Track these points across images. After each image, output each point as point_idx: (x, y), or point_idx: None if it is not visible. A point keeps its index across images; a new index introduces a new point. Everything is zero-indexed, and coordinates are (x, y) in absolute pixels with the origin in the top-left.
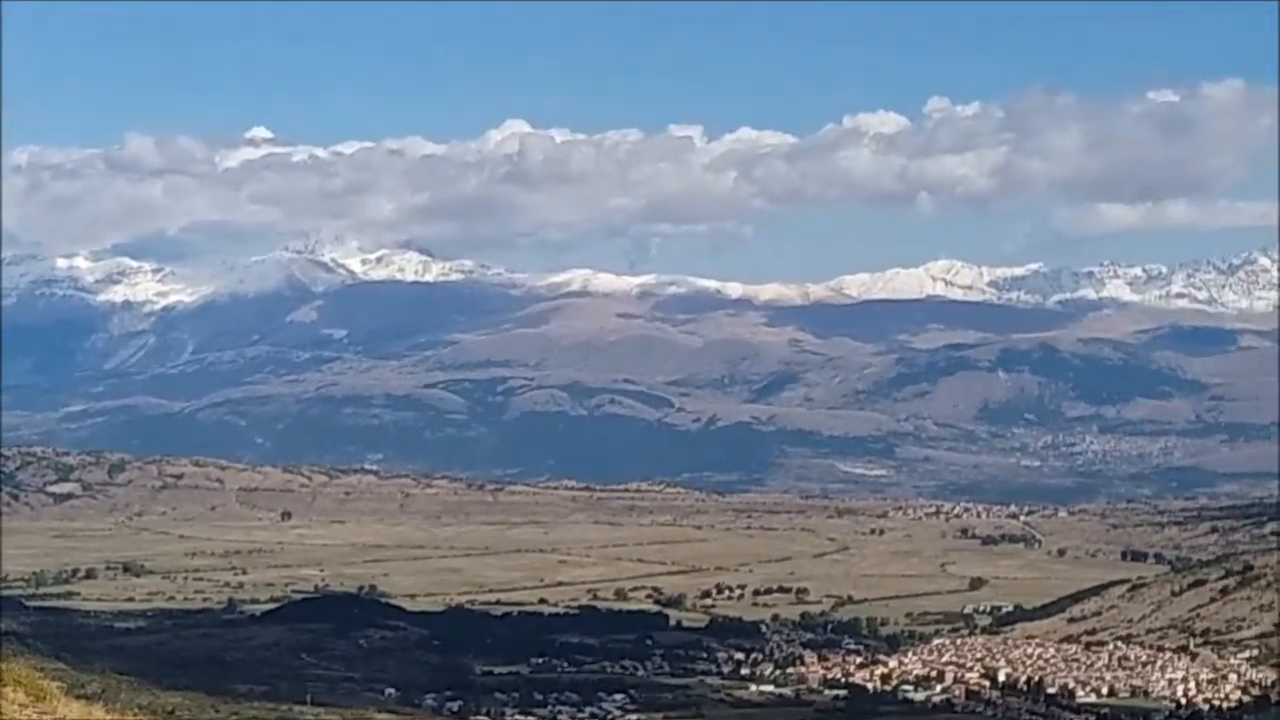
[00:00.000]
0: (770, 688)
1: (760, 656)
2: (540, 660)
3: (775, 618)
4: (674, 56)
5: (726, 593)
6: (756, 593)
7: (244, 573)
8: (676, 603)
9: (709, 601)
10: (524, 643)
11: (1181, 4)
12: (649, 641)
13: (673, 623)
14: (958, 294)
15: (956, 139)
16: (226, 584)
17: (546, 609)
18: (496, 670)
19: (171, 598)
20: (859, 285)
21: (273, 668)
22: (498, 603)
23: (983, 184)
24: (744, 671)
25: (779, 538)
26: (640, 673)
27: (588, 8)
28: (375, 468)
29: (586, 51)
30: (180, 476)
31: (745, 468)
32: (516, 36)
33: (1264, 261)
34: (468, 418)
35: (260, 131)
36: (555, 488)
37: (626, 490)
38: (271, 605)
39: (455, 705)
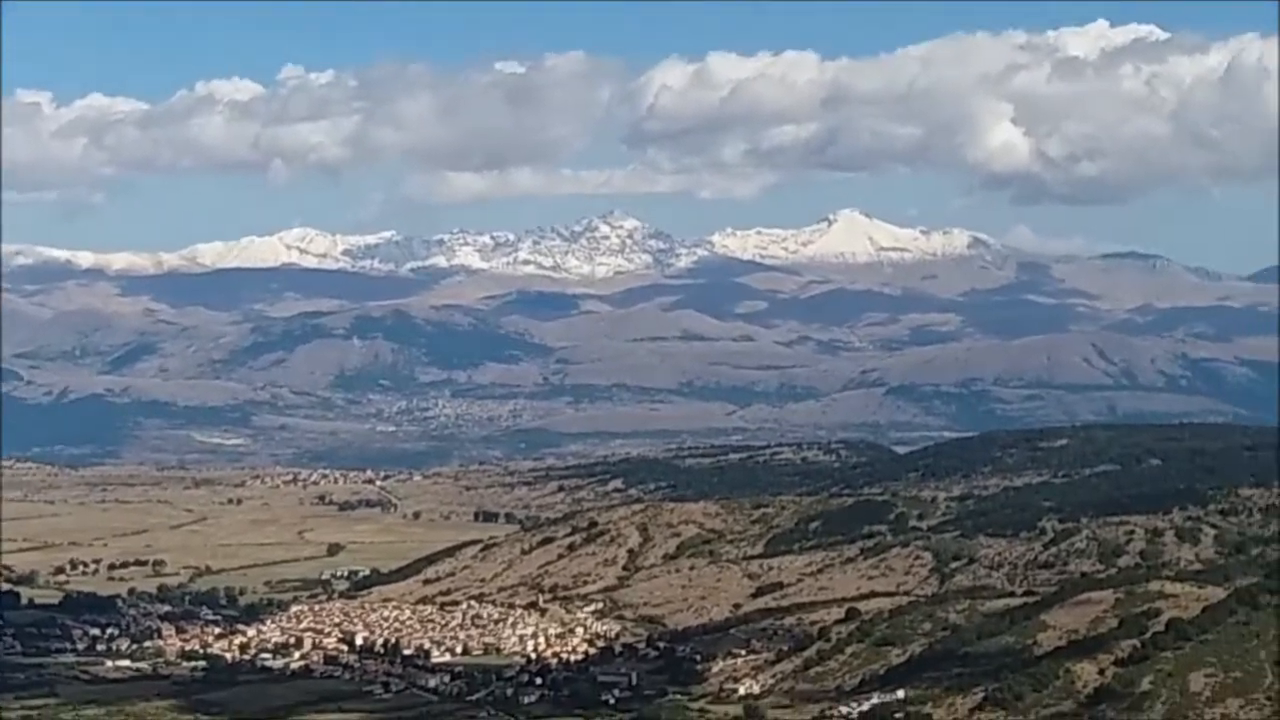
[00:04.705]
0: (127, 663)
1: (117, 632)
2: None
3: (132, 591)
4: (19, 20)
5: (81, 568)
6: (112, 567)
7: None
8: (28, 580)
9: (63, 578)
10: None
11: None
12: None
13: (25, 601)
14: (312, 262)
15: (310, 107)
16: None
17: None
18: None
19: None
20: (213, 254)
21: None
22: None
23: (336, 152)
24: (100, 648)
25: (135, 510)
26: None
27: None
28: None
29: None
30: None
31: (99, 440)
32: None
33: (604, 229)
34: None
35: None
36: None
37: None
38: None
39: None
